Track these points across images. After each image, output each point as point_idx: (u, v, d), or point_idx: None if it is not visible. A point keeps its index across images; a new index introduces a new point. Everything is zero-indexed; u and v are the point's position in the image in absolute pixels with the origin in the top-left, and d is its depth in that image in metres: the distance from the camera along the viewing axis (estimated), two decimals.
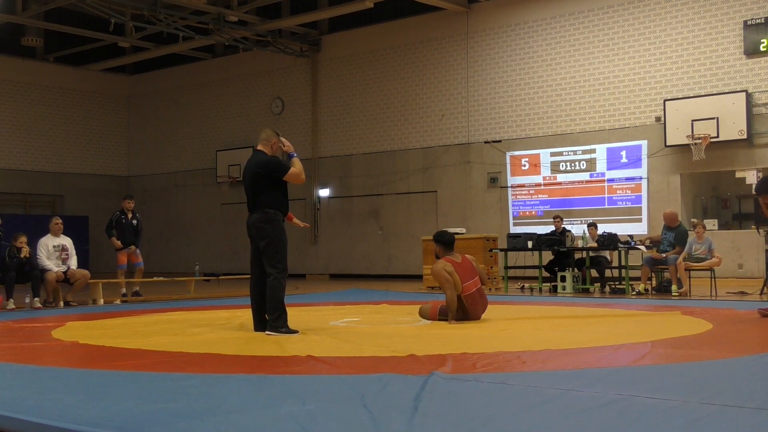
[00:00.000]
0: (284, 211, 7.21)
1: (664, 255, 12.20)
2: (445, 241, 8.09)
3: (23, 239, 11.00)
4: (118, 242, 12.58)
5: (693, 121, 15.21)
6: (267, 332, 6.94)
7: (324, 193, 21.19)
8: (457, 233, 14.96)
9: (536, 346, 5.95)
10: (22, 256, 10.86)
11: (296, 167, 7.14)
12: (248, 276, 7.35)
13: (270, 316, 6.97)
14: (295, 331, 6.88)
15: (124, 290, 12.47)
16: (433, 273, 7.88)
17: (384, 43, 20.21)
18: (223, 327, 7.74)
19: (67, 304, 11.25)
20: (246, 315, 7.64)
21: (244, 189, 7.35)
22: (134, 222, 12.83)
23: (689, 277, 12.04)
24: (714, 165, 15.55)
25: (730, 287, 12.77)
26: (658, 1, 16.23)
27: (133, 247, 12.75)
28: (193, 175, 24.24)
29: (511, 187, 18.02)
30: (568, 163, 17.26)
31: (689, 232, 12.75)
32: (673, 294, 11.75)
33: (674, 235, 12.30)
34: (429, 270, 14.77)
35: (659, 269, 12.49)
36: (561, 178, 17.32)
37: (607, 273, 13.42)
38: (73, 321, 8.87)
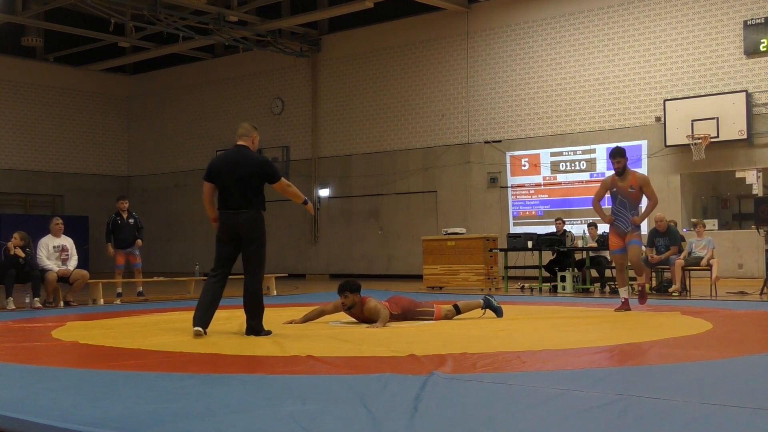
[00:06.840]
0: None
1: (660, 257, 12.18)
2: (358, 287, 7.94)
3: (16, 238, 10.90)
4: (111, 250, 12.71)
5: (693, 121, 15.21)
6: (248, 335, 6.86)
7: (324, 193, 21.18)
8: (457, 233, 15.03)
9: (536, 346, 5.94)
10: (12, 254, 10.78)
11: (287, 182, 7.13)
12: None
13: (253, 321, 6.86)
14: (269, 332, 6.86)
15: (119, 290, 12.44)
16: (375, 308, 7.76)
17: (384, 43, 20.21)
18: (222, 327, 7.72)
19: (67, 304, 11.23)
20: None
21: (222, 183, 6.89)
22: (131, 221, 12.80)
23: (689, 277, 12.05)
24: (714, 165, 15.55)
25: (730, 287, 12.77)
26: (658, 1, 16.23)
27: (139, 240, 12.81)
28: (193, 175, 24.18)
29: (511, 187, 18.02)
30: (568, 163, 17.26)
31: (689, 231, 12.73)
32: (672, 294, 11.74)
33: (667, 239, 12.28)
34: (429, 270, 14.81)
35: (660, 269, 12.49)
36: (561, 178, 17.32)
37: (607, 273, 13.41)
38: (73, 321, 8.85)
